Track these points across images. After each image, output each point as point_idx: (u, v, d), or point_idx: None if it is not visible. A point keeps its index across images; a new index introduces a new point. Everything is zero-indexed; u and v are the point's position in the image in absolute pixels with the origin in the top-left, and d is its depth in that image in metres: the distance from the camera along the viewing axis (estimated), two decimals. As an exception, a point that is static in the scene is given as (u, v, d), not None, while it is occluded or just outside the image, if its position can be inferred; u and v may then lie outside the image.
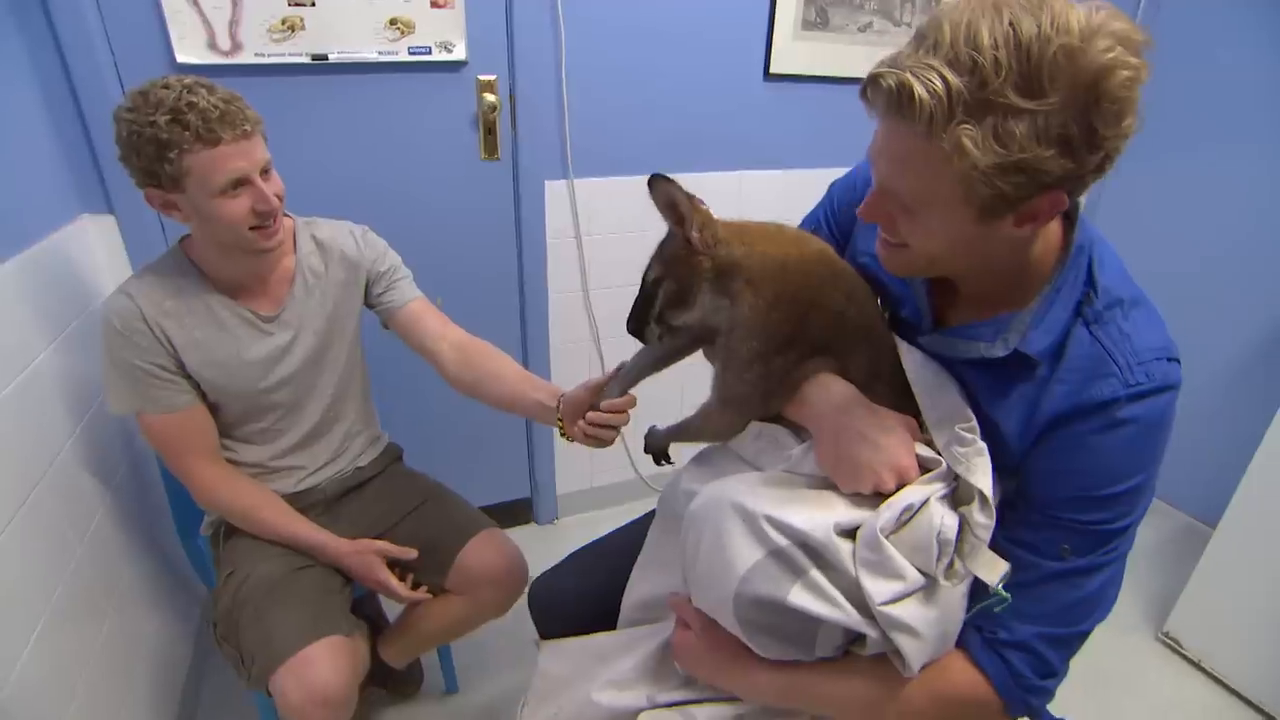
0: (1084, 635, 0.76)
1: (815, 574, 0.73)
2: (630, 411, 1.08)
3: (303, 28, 1.53)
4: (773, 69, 1.98)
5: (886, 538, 0.72)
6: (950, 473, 0.76)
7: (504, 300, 1.99)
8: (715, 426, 0.93)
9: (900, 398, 0.82)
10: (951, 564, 0.73)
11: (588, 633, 1.05)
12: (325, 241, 1.33)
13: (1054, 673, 0.77)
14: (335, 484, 1.43)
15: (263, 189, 1.12)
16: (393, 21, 1.59)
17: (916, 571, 0.73)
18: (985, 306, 0.78)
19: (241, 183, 1.10)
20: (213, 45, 1.49)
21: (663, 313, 0.87)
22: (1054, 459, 0.72)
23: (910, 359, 0.82)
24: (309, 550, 1.31)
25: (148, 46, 1.47)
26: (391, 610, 1.58)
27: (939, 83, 0.57)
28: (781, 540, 0.73)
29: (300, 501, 1.37)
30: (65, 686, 1.14)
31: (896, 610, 0.72)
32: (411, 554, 1.35)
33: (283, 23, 1.51)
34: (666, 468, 1.09)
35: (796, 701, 0.84)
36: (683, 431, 0.99)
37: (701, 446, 1.01)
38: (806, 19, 1.97)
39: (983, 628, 0.77)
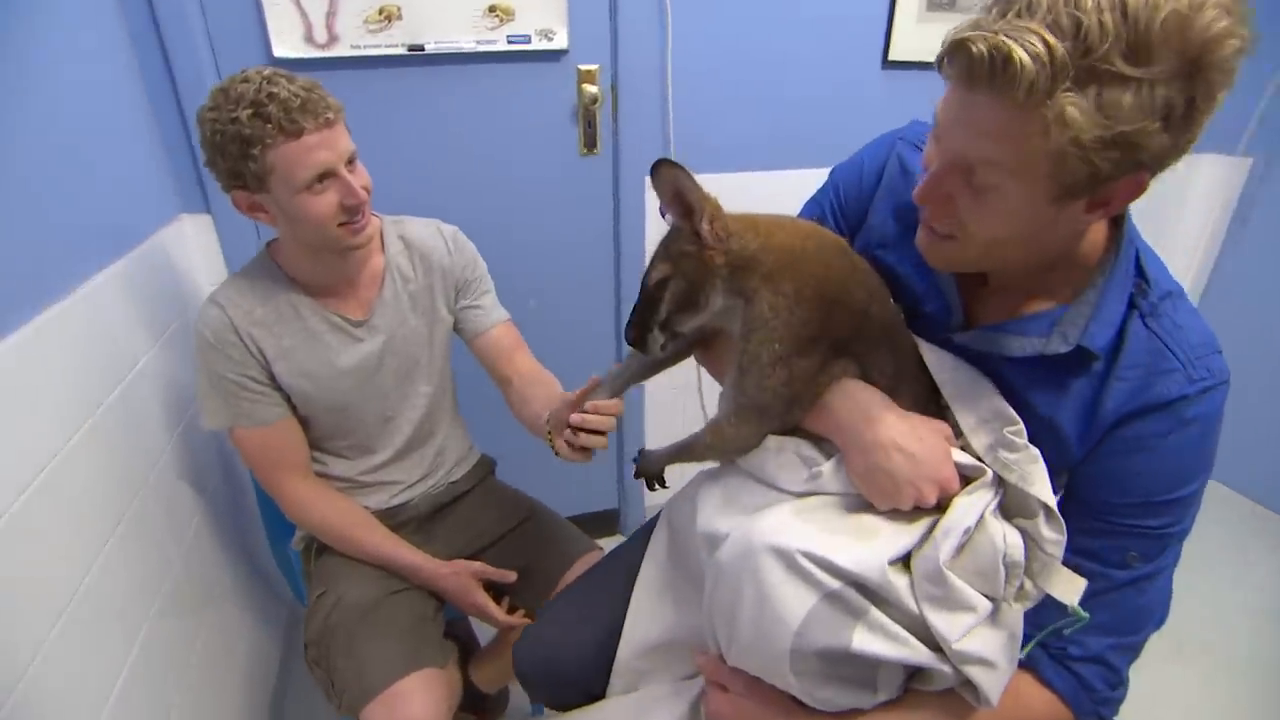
0: (1145, 640, 0.74)
1: (875, 613, 0.67)
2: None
3: (399, 17, 1.46)
4: (892, 55, 1.81)
5: (947, 568, 0.66)
6: (995, 480, 0.70)
7: (599, 301, 1.89)
8: (730, 441, 0.83)
9: (928, 403, 0.77)
10: (1021, 586, 0.68)
11: (591, 690, 0.95)
12: (414, 242, 1.26)
13: (1123, 681, 0.75)
14: (428, 500, 1.36)
15: (349, 181, 1.05)
16: (492, 9, 1.50)
17: (983, 598, 0.67)
18: (1016, 301, 0.74)
19: (326, 176, 1.03)
20: (309, 38, 1.43)
21: (669, 317, 0.79)
22: (1117, 460, 0.69)
23: (937, 359, 0.77)
24: (403, 571, 1.25)
25: (246, 42, 1.43)
26: (483, 632, 1.51)
27: (1041, 46, 0.52)
28: (833, 582, 0.66)
29: (392, 518, 1.31)
30: (162, 703, 1.10)
31: (970, 645, 0.66)
32: (510, 577, 1.27)
33: (380, 12, 1.44)
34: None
35: None
36: (687, 451, 0.88)
37: (701, 468, 0.92)
38: (933, 1, 1.79)
39: (1049, 644, 0.74)
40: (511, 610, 1.30)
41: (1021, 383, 0.73)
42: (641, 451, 0.97)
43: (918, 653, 0.67)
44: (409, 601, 1.24)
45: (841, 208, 0.90)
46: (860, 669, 0.69)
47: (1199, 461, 0.69)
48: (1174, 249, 2.37)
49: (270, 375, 1.15)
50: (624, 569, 1.01)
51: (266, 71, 1.00)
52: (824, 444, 0.79)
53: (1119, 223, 0.71)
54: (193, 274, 1.50)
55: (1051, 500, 0.67)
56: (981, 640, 0.67)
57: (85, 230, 1.10)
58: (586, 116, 1.65)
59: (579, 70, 1.61)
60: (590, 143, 1.68)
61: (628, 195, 1.75)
